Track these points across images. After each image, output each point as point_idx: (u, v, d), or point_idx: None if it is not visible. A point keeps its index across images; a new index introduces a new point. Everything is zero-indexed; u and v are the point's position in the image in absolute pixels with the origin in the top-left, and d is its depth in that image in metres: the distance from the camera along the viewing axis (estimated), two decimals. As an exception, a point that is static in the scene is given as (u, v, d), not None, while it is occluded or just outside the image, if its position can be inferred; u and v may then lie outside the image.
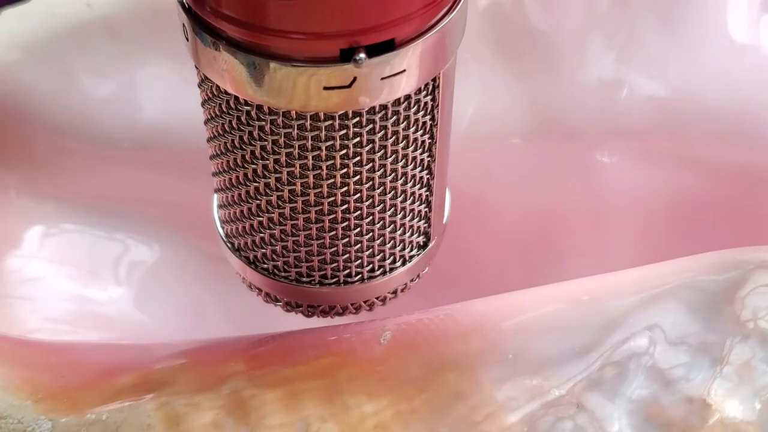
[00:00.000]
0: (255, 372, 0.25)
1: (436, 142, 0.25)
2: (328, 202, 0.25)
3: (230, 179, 0.26)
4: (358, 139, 0.24)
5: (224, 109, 0.24)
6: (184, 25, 0.23)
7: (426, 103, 0.24)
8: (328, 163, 0.24)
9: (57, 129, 0.34)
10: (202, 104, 0.26)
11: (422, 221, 0.27)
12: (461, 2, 0.23)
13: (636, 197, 0.35)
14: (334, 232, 0.25)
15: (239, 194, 0.26)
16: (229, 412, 0.23)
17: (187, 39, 0.23)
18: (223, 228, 0.28)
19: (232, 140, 0.25)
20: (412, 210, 0.26)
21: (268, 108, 0.23)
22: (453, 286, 0.33)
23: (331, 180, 0.24)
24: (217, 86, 0.24)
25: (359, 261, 0.26)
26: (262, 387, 0.24)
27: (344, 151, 0.24)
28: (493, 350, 0.24)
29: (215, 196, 0.28)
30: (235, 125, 0.24)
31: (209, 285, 0.36)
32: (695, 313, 0.24)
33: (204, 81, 0.25)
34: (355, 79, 0.22)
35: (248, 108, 0.23)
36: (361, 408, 0.23)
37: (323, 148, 0.24)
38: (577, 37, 0.33)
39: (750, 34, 0.33)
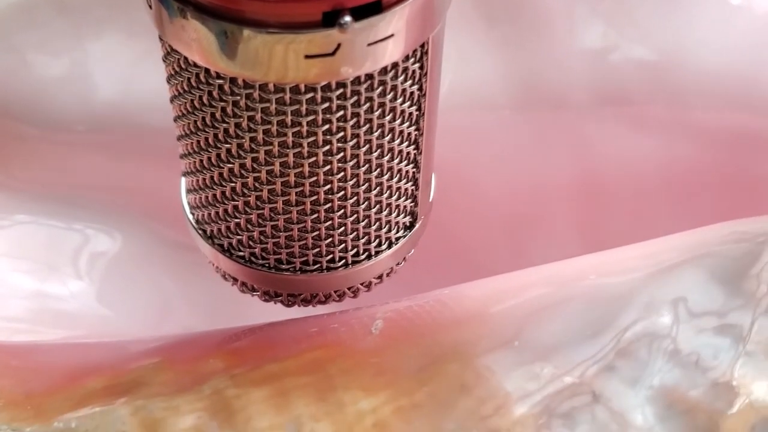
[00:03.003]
0: (236, 369, 0.23)
1: (423, 114, 0.23)
2: (310, 183, 0.23)
3: (201, 161, 0.24)
4: (341, 112, 0.22)
5: (193, 84, 0.22)
6: (145, -10, 0.21)
7: (414, 72, 0.22)
8: (310, 140, 0.22)
9: (5, 112, 0.32)
10: (168, 80, 0.23)
11: (409, 200, 0.25)
12: None
13: (629, 168, 0.33)
14: (316, 215, 0.24)
15: (211, 177, 0.24)
16: (213, 414, 0.21)
17: (150, 6, 0.21)
18: (193, 214, 0.26)
19: (203, 118, 0.23)
20: (399, 188, 0.24)
21: (243, 81, 0.21)
22: (435, 269, 0.32)
23: (313, 158, 0.22)
24: (185, 58, 0.22)
25: (343, 245, 0.24)
26: (246, 385, 0.22)
27: (327, 126, 0.22)
28: (494, 337, 0.22)
29: (183, 179, 0.26)
30: (206, 101, 0.22)
31: (176, 275, 0.34)
32: (721, 284, 0.22)
33: (169, 54, 0.23)
34: (339, 45, 0.20)
35: (220, 81, 0.21)
36: (357, 405, 0.21)
37: (304, 123, 0.22)
38: (564, -1, 0.31)
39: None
